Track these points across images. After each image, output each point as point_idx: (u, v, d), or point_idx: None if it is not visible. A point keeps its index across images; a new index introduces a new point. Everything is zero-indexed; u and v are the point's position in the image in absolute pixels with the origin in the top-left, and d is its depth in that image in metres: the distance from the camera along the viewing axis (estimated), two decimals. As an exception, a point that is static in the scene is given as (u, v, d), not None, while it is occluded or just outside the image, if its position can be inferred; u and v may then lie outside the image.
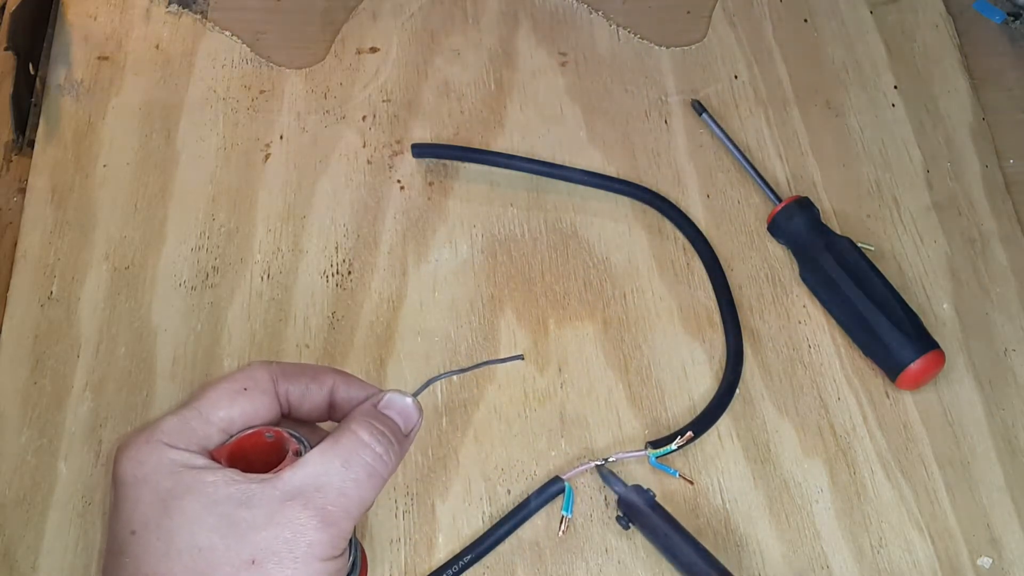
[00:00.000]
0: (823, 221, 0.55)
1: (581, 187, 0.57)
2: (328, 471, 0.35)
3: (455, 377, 0.51)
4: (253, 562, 0.33)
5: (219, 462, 0.36)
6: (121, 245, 0.55)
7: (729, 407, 0.50)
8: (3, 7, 0.60)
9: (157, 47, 0.62)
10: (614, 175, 0.57)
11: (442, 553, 0.47)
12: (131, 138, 0.58)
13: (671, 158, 0.58)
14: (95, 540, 0.46)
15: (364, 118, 0.59)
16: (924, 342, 0.50)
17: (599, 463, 0.48)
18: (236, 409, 0.37)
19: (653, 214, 0.56)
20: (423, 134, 0.59)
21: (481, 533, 0.47)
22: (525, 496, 0.47)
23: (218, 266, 0.54)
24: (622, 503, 0.47)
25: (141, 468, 0.35)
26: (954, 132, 0.60)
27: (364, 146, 0.58)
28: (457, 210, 0.56)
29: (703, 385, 0.51)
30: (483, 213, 0.56)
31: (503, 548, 0.47)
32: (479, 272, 0.54)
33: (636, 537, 0.47)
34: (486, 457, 0.49)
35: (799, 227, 0.54)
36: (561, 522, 0.47)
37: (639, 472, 0.49)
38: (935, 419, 0.51)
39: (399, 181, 0.57)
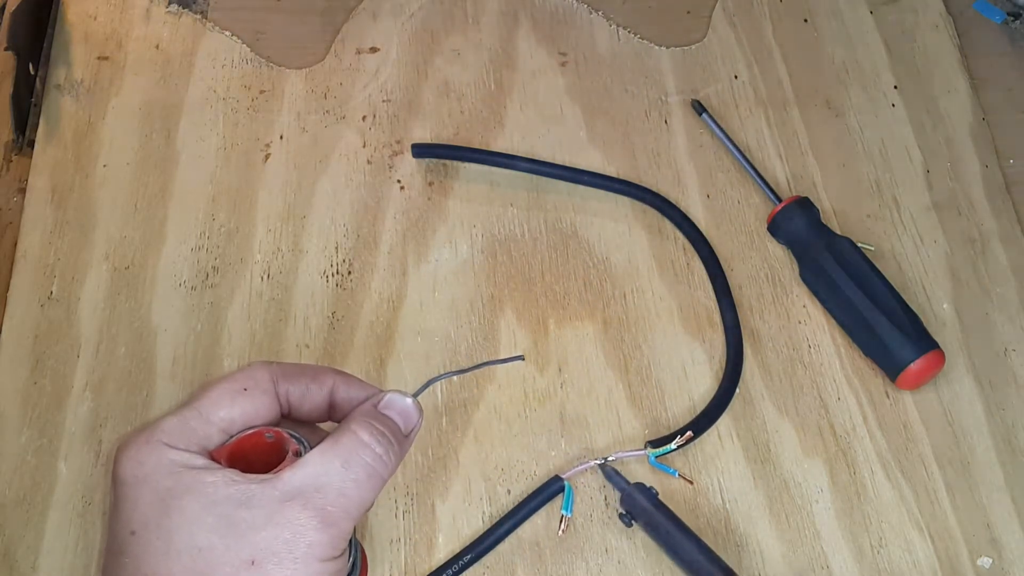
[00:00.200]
0: (823, 221, 0.55)
1: (581, 187, 0.57)
2: (328, 471, 0.35)
3: (455, 377, 0.51)
4: (253, 562, 0.33)
5: (219, 462, 0.36)
6: (121, 245, 0.55)
7: (729, 407, 0.50)
8: (3, 7, 0.60)
9: (157, 47, 0.62)
10: (614, 175, 0.57)
11: (442, 553, 0.47)
12: (131, 138, 0.58)
13: (671, 158, 0.58)
14: (95, 540, 0.46)
15: (364, 118, 0.59)
16: (924, 342, 0.50)
17: (601, 461, 0.48)
18: (236, 409, 0.37)
19: (653, 214, 0.56)
20: (423, 134, 0.59)
21: (481, 533, 0.47)
22: (525, 496, 0.48)
23: (218, 266, 0.54)
24: (625, 500, 0.47)
25: (141, 468, 0.35)
26: (954, 132, 0.60)
27: (364, 146, 0.58)
28: (457, 210, 0.56)
29: (703, 385, 0.51)
30: (483, 213, 0.56)
31: (503, 548, 0.47)
32: (479, 272, 0.54)
33: (636, 537, 0.47)
34: (486, 457, 0.49)
35: (799, 227, 0.54)
36: (561, 521, 0.47)
37: (639, 472, 0.49)
38: (935, 419, 0.51)
39: (399, 181, 0.57)
